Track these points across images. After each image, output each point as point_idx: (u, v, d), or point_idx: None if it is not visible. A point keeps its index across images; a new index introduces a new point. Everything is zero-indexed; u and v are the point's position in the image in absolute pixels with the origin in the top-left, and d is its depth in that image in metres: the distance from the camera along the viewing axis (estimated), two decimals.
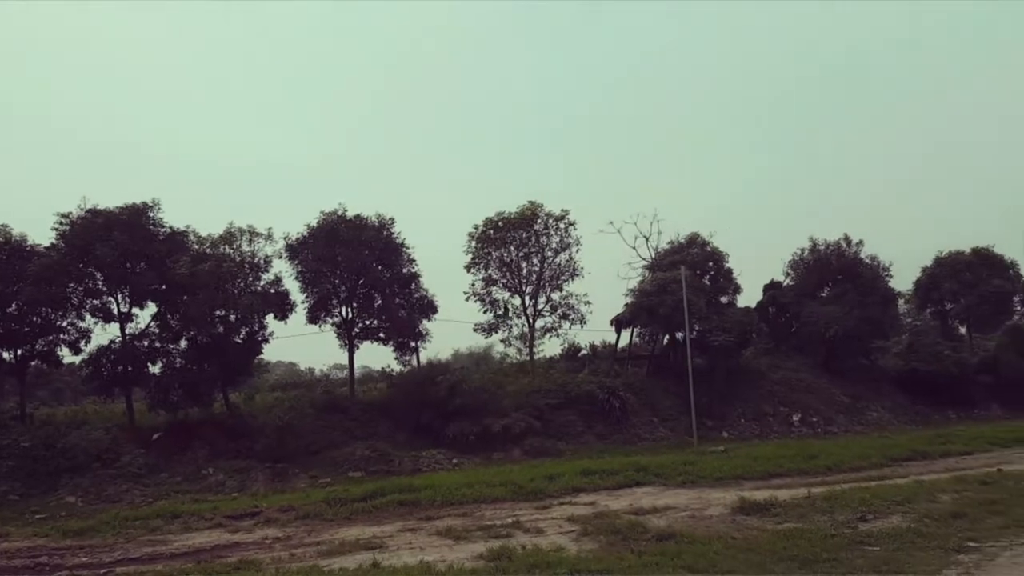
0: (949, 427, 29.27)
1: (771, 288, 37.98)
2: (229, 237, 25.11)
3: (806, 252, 38.51)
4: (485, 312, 32.15)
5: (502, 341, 33.73)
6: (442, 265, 35.77)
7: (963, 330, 42.75)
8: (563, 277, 32.43)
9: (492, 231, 31.73)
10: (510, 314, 32.16)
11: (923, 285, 41.97)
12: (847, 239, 37.46)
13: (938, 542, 9.15)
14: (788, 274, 39.06)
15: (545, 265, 32.17)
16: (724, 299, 33.83)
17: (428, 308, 29.27)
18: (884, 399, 34.80)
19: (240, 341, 24.81)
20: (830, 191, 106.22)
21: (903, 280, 41.92)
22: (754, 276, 38.58)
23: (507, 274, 32.02)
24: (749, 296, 36.96)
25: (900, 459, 19.25)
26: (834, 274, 37.32)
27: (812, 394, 33.18)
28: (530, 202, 31.99)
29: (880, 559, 8.50)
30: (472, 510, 14.45)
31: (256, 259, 25.59)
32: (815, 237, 38.41)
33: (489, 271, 32.04)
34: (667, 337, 34.04)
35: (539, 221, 31.94)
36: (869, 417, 32.86)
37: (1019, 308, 42.28)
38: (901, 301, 42.02)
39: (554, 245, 32.21)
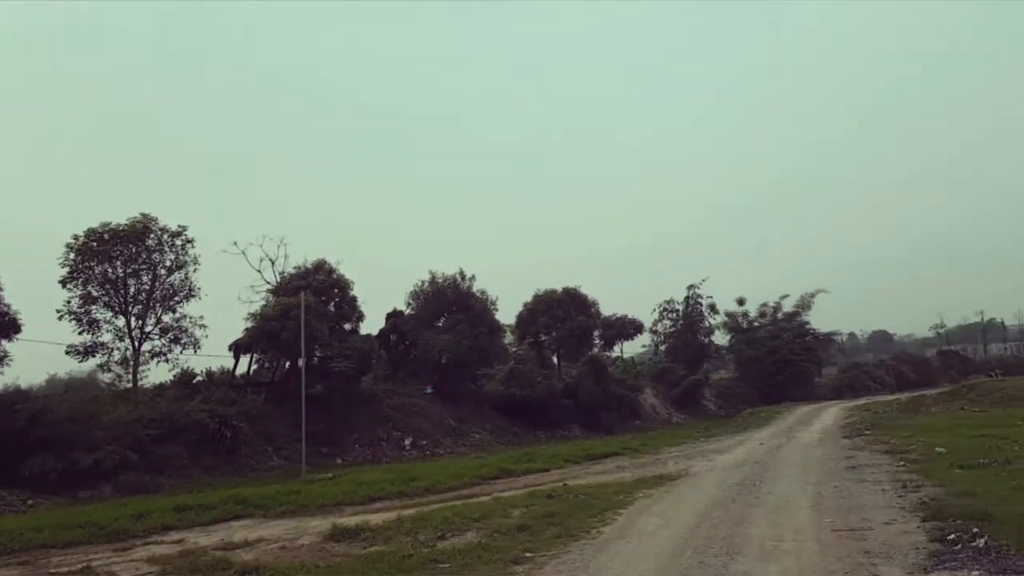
0: (536, 446, 33.01)
1: (393, 316, 39.61)
2: None
3: (426, 284, 40.97)
4: (82, 333, 28.34)
5: (100, 366, 30.13)
6: (37, 278, 30.75)
7: (555, 359, 49.08)
8: (177, 298, 30.05)
9: (95, 243, 28.16)
10: (108, 335, 28.80)
11: (524, 319, 47.25)
12: (462, 273, 40.74)
13: (501, 555, 9.98)
14: (410, 304, 41.11)
15: (157, 284, 29.48)
16: (348, 326, 34.34)
17: (8, 326, 24.82)
18: (486, 421, 38.21)
19: None
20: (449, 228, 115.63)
21: (509, 314, 46.71)
22: (380, 305, 39.73)
23: (111, 292, 28.59)
24: (373, 324, 38.01)
25: (489, 477, 21.00)
26: (449, 305, 40.21)
27: (423, 418, 35.04)
28: (142, 214, 29.15)
29: (449, 574, 9.10)
30: (37, 557, 12.47)
31: None
32: (435, 270, 41.10)
33: (89, 288, 28.34)
34: (288, 363, 33.34)
35: (152, 236, 29.27)
36: (472, 439, 35.71)
37: (597, 341, 50.05)
38: (508, 332, 47.00)
39: (168, 263, 29.79)
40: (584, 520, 12.27)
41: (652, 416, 47.31)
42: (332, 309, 33.35)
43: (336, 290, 33.92)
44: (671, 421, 47.58)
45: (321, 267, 34.17)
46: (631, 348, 60.13)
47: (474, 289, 40.51)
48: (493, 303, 40.99)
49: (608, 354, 52.68)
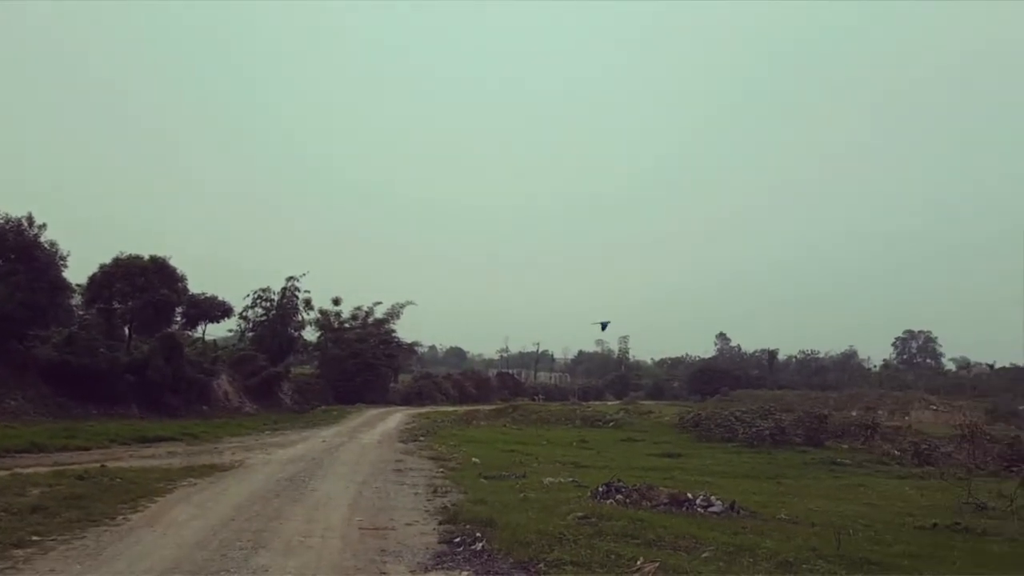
0: (84, 422, 30.13)
1: None
2: None
3: None
4: None
5: None
6: None
7: (127, 331, 44.96)
8: None
9: None
10: None
11: (97, 281, 42.61)
12: (30, 219, 35.41)
13: (2, 537, 9.30)
14: None
15: None
16: None
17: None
18: (29, 388, 33.56)
19: None
20: None
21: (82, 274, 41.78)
22: None
23: None
24: None
25: (14, 450, 18.90)
26: (8, 251, 34.68)
27: None
28: None
29: None
30: None
31: None
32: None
33: None
34: None
35: None
36: (7, 405, 31.20)
37: (180, 319, 47.24)
38: (77, 294, 41.86)
39: None
40: (113, 505, 11.93)
41: (223, 403, 46.11)
42: None
43: None
44: (243, 410, 46.90)
45: None
46: (217, 331, 57.83)
47: (42, 239, 35.51)
48: (63, 259, 36.33)
49: (189, 333, 50.09)
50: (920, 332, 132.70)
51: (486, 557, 9.50)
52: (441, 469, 19.87)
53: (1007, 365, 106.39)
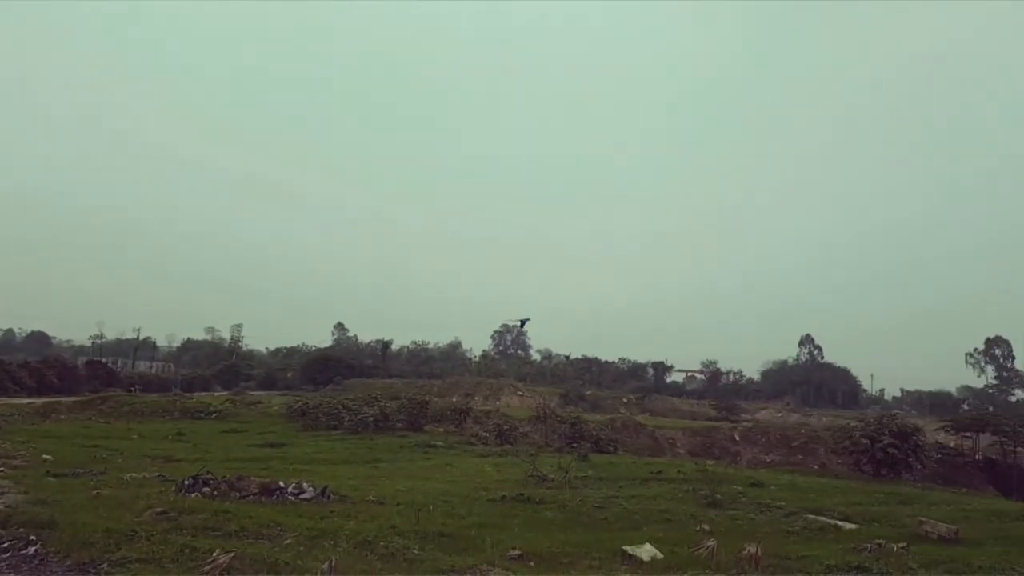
0: None
1: None
2: None
3: None
4: None
5: None
6: None
7: None
8: None
9: None
10: None
11: None
12: None
13: None
14: None
15: None
16: None
17: None
18: None
19: None
20: None
21: None
22: None
23: None
24: None
25: None
26: None
27: None
28: None
29: None
30: None
31: None
32: None
33: None
34: None
35: None
36: None
37: None
38: None
39: None
40: None
41: None
42: None
43: None
44: None
45: None
46: None
47: None
48: None
49: None
50: (513, 326, 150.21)
51: (37, 561, 8.80)
52: (1, 468, 17.56)
53: (579, 356, 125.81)
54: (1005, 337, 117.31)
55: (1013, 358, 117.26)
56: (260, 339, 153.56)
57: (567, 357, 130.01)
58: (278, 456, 24.75)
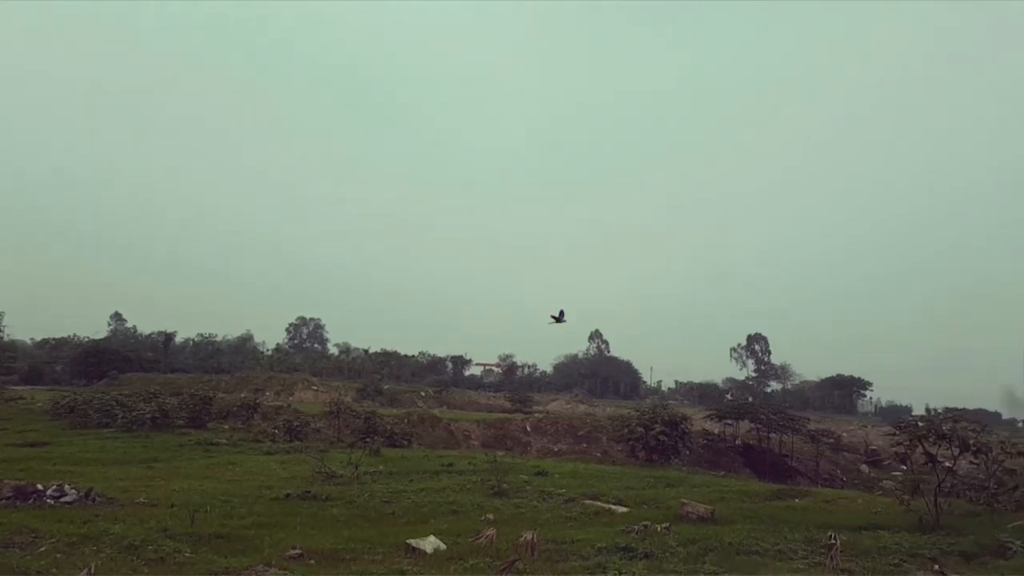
0: None
1: None
2: None
3: None
4: None
5: None
6: None
7: None
8: None
9: None
10: None
11: None
12: None
13: None
14: None
15: None
16: None
17: None
18: None
19: None
20: None
21: None
22: None
23: None
24: None
25: None
26: None
27: None
28: None
29: None
30: None
31: None
32: None
33: None
34: None
35: None
36: None
37: None
38: None
39: None
40: None
41: None
42: None
43: None
44: None
45: None
46: None
47: None
48: None
49: None
50: (311, 319, 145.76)
51: None
52: None
53: (379, 351, 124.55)
54: (763, 334, 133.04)
55: (770, 353, 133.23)
56: (25, 329, 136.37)
57: (366, 351, 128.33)
58: (39, 456, 22.71)
